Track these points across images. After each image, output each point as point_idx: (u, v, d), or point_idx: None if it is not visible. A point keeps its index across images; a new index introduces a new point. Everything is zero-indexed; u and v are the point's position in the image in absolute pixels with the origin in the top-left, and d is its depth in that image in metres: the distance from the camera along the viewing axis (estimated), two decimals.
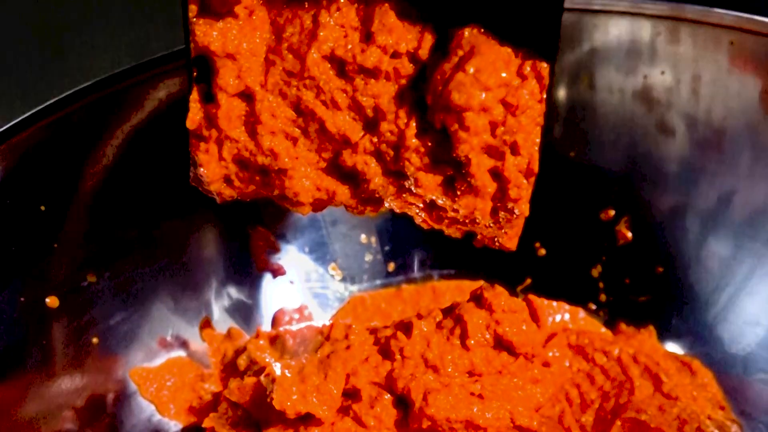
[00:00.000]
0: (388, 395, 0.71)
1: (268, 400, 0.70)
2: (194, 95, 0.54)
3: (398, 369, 0.72)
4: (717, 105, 0.80)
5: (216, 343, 0.86)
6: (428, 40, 0.52)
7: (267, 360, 0.78)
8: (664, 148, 0.84)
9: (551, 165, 0.81)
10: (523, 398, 0.72)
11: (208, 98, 0.54)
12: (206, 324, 0.87)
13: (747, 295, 0.83)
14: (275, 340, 0.84)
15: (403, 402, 0.71)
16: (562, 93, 0.85)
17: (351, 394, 0.71)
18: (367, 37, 0.52)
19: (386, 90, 0.53)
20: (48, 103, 0.71)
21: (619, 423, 0.77)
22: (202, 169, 0.55)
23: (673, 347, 0.87)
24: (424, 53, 0.52)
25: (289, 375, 0.71)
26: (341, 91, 0.53)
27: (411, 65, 0.53)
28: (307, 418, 0.70)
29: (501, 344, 0.73)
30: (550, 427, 0.74)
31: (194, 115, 0.54)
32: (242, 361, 0.81)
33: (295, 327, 0.86)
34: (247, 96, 0.53)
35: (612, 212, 0.88)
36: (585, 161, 0.87)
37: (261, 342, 0.83)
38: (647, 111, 0.83)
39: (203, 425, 0.76)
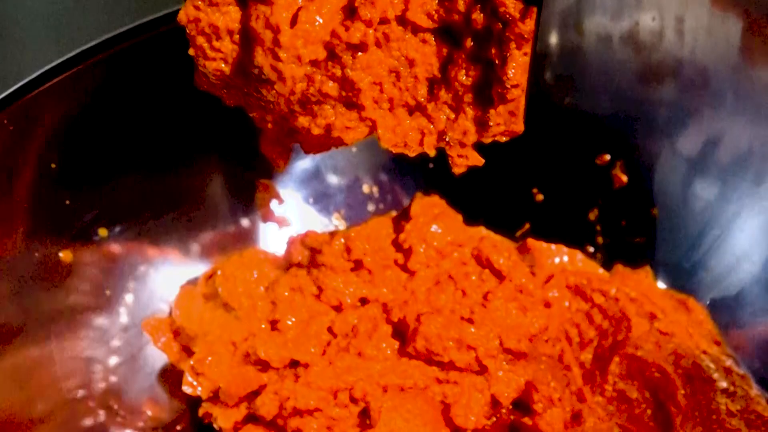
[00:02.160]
0: (386, 326, 0.74)
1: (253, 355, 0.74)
2: None
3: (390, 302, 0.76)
4: (701, 47, 0.81)
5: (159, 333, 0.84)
6: (415, 1, 0.54)
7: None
8: (652, 91, 0.85)
9: (547, 112, 0.84)
10: (512, 326, 0.75)
11: None
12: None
13: (737, 231, 0.85)
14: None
15: (399, 333, 0.74)
16: (553, 39, 0.86)
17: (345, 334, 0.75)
18: (351, 12, 0.53)
19: (376, 58, 0.55)
20: (56, 62, 0.72)
21: (617, 359, 0.79)
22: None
23: (668, 286, 0.89)
24: (412, 15, 0.54)
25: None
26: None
27: (401, 28, 0.55)
28: (300, 364, 0.74)
29: (481, 263, 0.77)
30: (550, 366, 0.77)
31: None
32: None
33: None
34: None
35: (607, 157, 0.89)
36: (579, 107, 0.88)
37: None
38: (635, 54, 0.84)
39: (199, 414, 0.78)
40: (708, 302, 0.86)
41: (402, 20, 0.54)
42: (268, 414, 0.73)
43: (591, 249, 0.93)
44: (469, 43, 0.55)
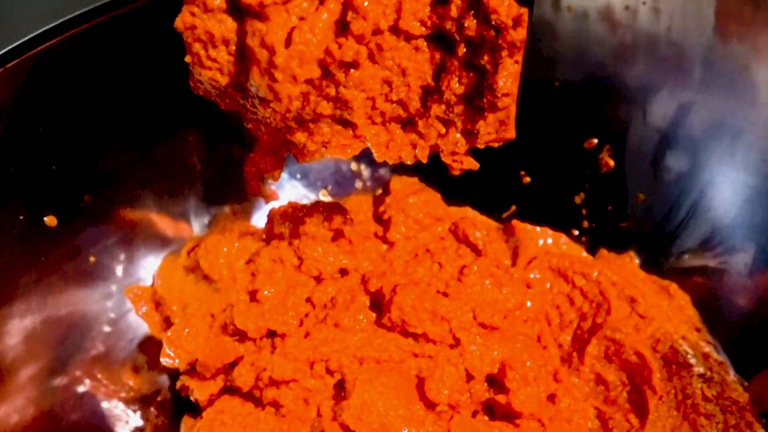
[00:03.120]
0: (363, 297, 0.75)
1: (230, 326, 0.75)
2: None
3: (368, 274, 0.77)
4: (677, 22, 0.82)
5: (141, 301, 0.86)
6: (407, 11, 0.54)
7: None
8: (628, 68, 0.86)
9: (536, 95, 0.84)
10: (487, 301, 0.76)
11: None
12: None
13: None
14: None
15: (376, 305, 0.75)
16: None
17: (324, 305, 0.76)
18: (344, 27, 0.54)
19: (369, 73, 0.56)
20: (44, 29, 0.72)
21: (595, 341, 0.80)
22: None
23: (651, 271, 0.89)
24: (405, 24, 0.55)
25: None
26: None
27: (394, 37, 0.55)
28: (277, 335, 0.75)
29: (458, 238, 0.78)
30: (527, 345, 0.77)
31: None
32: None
33: None
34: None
35: (595, 141, 0.89)
36: (569, 90, 0.88)
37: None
38: (611, 31, 0.84)
39: (177, 386, 0.80)
40: (691, 282, 0.87)
41: (395, 29, 0.55)
42: (244, 385, 0.74)
43: (576, 232, 0.93)
44: (462, 50, 0.56)
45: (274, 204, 0.88)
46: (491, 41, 0.54)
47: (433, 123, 0.59)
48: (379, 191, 0.89)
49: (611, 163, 0.89)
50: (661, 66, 0.83)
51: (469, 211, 0.92)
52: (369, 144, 0.60)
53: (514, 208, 0.95)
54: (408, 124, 0.60)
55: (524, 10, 0.53)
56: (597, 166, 0.90)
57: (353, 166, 0.96)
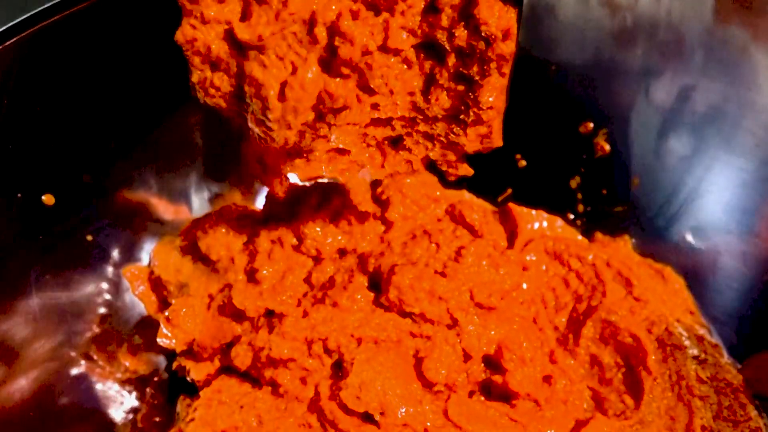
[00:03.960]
0: (361, 277, 0.75)
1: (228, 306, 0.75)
2: None
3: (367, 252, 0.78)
4: (676, 5, 0.82)
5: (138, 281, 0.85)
6: (395, 29, 0.55)
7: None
8: (626, 52, 0.86)
9: (532, 79, 0.84)
10: (484, 281, 0.76)
11: None
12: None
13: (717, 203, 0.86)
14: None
15: (375, 286, 0.75)
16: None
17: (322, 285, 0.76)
18: (333, 52, 0.55)
19: (357, 111, 0.58)
20: (44, 6, 0.72)
21: (590, 324, 0.80)
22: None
23: (646, 254, 0.90)
24: (393, 42, 0.55)
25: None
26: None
27: (383, 54, 0.56)
28: (275, 314, 0.75)
29: (455, 219, 0.79)
30: (523, 327, 0.77)
31: None
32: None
33: None
34: None
35: (591, 125, 0.90)
36: (566, 74, 0.89)
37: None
38: (611, 14, 0.85)
39: (173, 367, 0.80)
40: (685, 268, 0.87)
41: (384, 48, 0.56)
42: (242, 364, 0.74)
43: (571, 216, 0.93)
44: (452, 59, 0.57)
45: None
46: (481, 52, 0.55)
47: (419, 140, 0.61)
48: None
49: (607, 147, 0.90)
50: (659, 50, 0.84)
51: (465, 194, 0.92)
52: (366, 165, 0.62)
53: (509, 191, 0.95)
54: (398, 141, 0.63)
55: (513, 23, 0.54)
56: (592, 150, 0.90)
57: None
